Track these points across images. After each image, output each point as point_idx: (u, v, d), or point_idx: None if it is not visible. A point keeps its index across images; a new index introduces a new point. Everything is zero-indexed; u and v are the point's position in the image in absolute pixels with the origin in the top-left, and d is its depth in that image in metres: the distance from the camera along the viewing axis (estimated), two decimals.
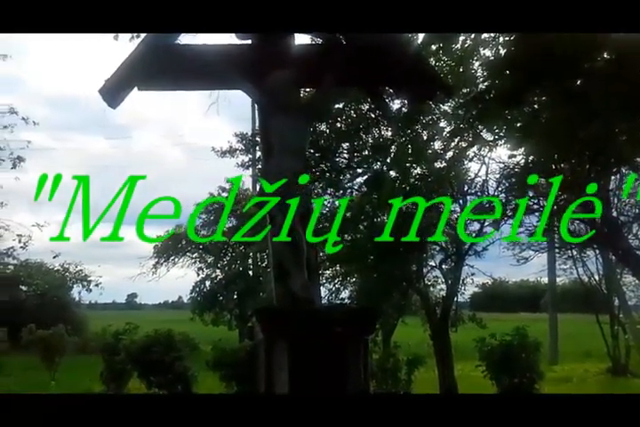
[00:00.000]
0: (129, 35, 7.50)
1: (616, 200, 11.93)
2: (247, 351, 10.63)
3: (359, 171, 12.16)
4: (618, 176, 10.94)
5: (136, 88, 4.53)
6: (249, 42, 4.66)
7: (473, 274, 13.37)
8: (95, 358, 14.18)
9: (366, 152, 11.75)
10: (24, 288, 25.26)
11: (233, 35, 4.72)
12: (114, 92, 4.45)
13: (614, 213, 11.18)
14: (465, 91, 8.46)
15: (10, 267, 22.38)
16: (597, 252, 14.28)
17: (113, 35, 7.88)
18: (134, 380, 12.61)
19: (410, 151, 10.51)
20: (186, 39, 4.92)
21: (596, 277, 16.85)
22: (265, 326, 3.98)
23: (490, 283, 20.37)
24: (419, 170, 11.21)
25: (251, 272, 23.27)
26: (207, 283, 24.20)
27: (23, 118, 15.39)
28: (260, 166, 10.93)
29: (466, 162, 11.56)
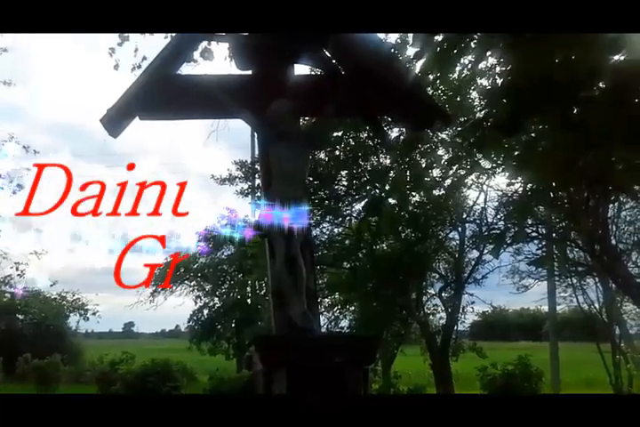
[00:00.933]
0: (130, 65, 7.61)
1: (615, 228, 11.95)
2: (245, 381, 10.51)
3: (358, 198, 12.20)
4: (616, 204, 10.98)
5: (137, 118, 4.57)
6: (249, 72, 4.72)
7: (473, 302, 13.33)
8: (91, 387, 14.02)
9: (365, 180, 11.79)
10: (21, 317, 25.06)
11: (233, 65, 4.79)
12: (115, 121, 4.49)
13: (613, 241, 11.18)
14: (463, 119, 8.54)
15: (7, 295, 22.22)
16: (597, 280, 14.20)
17: (114, 64, 7.98)
18: None
19: (408, 179, 10.56)
20: (186, 70, 4.99)
21: (597, 306, 16.73)
22: (264, 356, 3.93)
23: (490, 311, 20.24)
24: (417, 197, 11.25)
25: (249, 301, 23.09)
26: (205, 311, 23.98)
27: (24, 147, 15.41)
28: (259, 194, 10.95)
29: (464, 189, 11.63)
